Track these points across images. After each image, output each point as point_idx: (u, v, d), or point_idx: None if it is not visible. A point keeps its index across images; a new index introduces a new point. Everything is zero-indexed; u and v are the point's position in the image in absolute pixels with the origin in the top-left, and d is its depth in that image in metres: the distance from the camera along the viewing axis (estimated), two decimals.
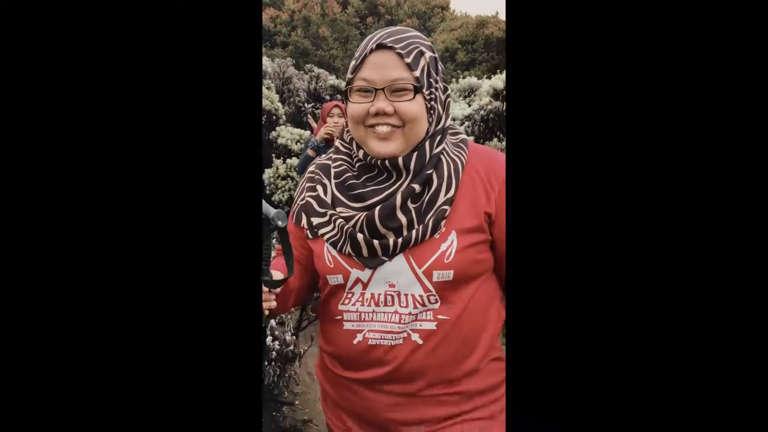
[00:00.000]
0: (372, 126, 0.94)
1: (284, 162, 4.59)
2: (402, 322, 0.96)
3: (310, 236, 1.04)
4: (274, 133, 5.12)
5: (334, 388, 1.09)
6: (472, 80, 8.66)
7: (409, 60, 0.93)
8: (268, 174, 4.53)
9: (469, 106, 6.35)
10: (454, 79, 11.45)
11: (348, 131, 1.03)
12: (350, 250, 0.97)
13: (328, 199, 1.02)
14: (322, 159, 1.11)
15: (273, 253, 1.06)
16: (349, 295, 1.00)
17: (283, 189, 4.34)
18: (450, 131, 1.05)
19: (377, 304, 0.97)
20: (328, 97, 6.36)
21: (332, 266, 1.00)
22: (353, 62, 0.97)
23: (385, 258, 0.95)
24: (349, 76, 0.97)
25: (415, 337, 0.95)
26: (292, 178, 4.49)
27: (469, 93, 7.90)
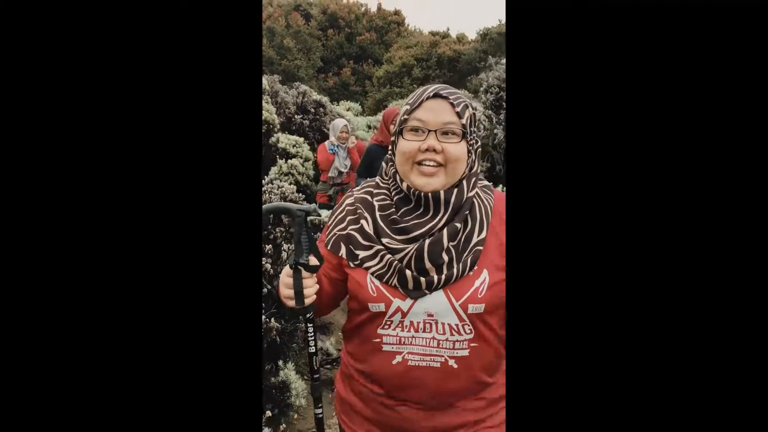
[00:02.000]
0: (419, 162, 1.02)
1: (286, 162, 5.90)
2: (440, 346, 1.04)
3: (351, 265, 1.09)
4: (273, 139, 6.41)
5: (365, 403, 1.15)
6: None
7: (458, 110, 1.03)
8: (273, 171, 5.81)
9: None
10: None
11: (392, 165, 1.10)
12: (396, 283, 1.03)
13: (372, 232, 1.07)
14: (360, 192, 1.16)
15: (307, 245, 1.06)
16: (389, 322, 1.05)
17: (289, 182, 5.63)
18: (479, 177, 1.13)
19: (416, 330, 1.04)
20: (312, 110, 7.68)
21: (375, 295, 1.05)
22: (406, 106, 1.07)
23: (427, 291, 1.02)
24: (403, 117, 1.06)
25: (452, 362, 1.04)
26: (293, 175, 5.82)
27: None
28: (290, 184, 5.36)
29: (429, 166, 1.02)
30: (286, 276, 1.09)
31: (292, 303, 1.09)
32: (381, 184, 1.13)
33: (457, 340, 1.04)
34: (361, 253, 1.08)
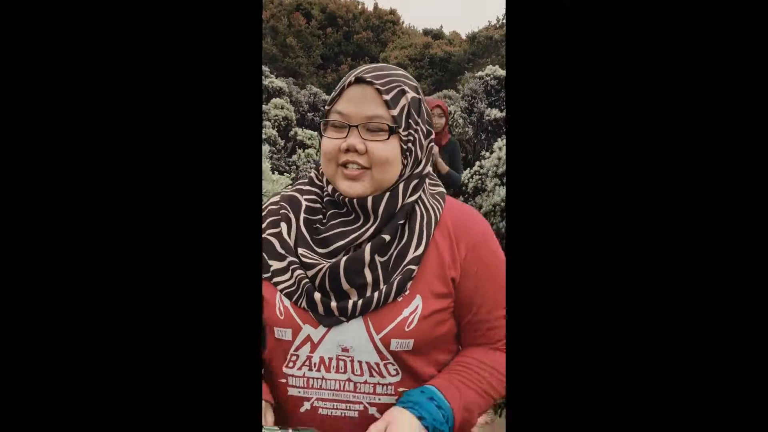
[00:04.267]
0: (344, 164, 0.80)
1: (303, 151, 7.47)
2: (357, 390, 0.81)
3: (263, 275, 0.85)
4: (292, 132, 7.95)
5: None
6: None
7: (388, 98, 0.79)
8: (294, 157, 7.38)
9: None
10: None
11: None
12: (305, 305, 0.81)
13: (291, 241, 0.84)
14: (288, 190, 0.92)
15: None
16: (294, 358, 0.82)
17: (304, 170, 7.15)
18: (430, 181, 0.91)
19: (327, 370, 0.81)
20: (322, 109, 9.21)
21: (282, 318, 0.82)
22: (332, 94, 0.85)
23: (343, 318, 0.80)
24: (326, 108, 0.85)
25: (373, 411, 0.82)
26: (304, 163, 7.43)
27: None
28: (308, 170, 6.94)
29: (352, 168, 0.80)
30: None
31: None
32: (315, 182, 0.89)
33: (379, 383, 0.82)
34: (274, 264, 0.84)
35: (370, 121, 0.79)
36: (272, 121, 7.65)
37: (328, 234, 0.83)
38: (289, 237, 0.85)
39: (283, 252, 0.84)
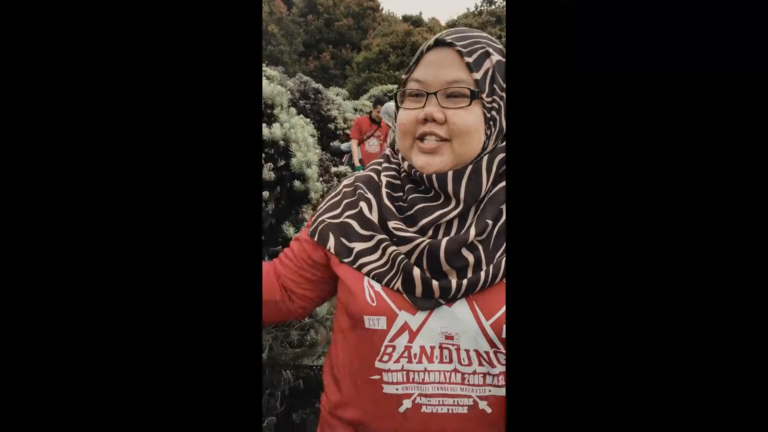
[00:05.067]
0: (421, 138, 0.72)
1: None
2: (466, 382, 0.72)
3: (342, 260, 0.77)
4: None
5: None
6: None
7: (470, 59, 0.71)
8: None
9: None
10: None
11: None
12: (400, 286, 0.72)
13: (373, 218, 0.77)
14: (364, 171, 0.85)
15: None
16: (389, 350, 0.73)
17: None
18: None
19: (430, 360, 0.72)
20: (312, 96, 9.61)
21: (374, 305, 0.73)
22: (411, 63, 0.77)
23: (441, 301, 0.71)
24: (403, 77, 0.78)
25: (483, 405, 0.72)
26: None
27: None
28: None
29: (429, 141, 0.71)
30: None
31: None
32: (392, 159, 0.82)
33: (489, 374, 0.72)
34: (358, 246, 0.76)
35: (449, 86, 0.70)
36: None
37: (412, 212, 0.74)
38: (371, 215, 0.77)
39: (367, 232, 0.76)
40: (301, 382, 2.04)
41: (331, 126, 8.72)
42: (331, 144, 6.75)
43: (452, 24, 20.13)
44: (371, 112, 4.94)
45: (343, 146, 6.41)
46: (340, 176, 4.65)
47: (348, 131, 8.66)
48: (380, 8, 29.79)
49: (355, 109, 11.06)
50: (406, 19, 28.15)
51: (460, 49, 0.70)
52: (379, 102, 4.87)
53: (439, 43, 0.72)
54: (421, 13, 28.51)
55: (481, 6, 19.17)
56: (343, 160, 5.73)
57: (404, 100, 0.75)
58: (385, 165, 0.81)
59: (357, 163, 4.89)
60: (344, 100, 11.79)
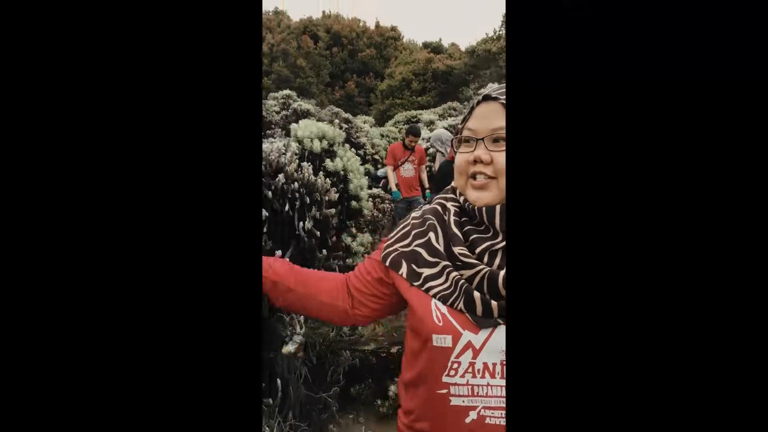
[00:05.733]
0: (473, 176, 0.85)
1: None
2: None
3: (412, 284, 0.88)
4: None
5: None
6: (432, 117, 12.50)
7: None
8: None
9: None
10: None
11: None
12: (462, 307, 0.82)
13: (441, 247, 0.88)
14: (431, 203, 0.98)
15: None
16: (455, 365, 0.82)
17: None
18: None
19: (492, 376, 0.80)
20: (345, 125, 10.38)
21: (441, 324, 0.83)
22: (464, 114, 0.92)
23: (500, 321, 0.79)
24: (459, 126, 0.92)
25: None
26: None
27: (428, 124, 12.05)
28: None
29: (480, 179, 0.84)
30: None
31: None
32: (457, 193, 0.92)
33: None
34: (426, 271, 0.87)
35: (494, 132, 0.82)
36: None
37: (468, 242, 0.85)
38: (438, 244, 0.88)
39: (434, 259, 0.87)
40: (357, 361, 2.63)
41: (361, 152, 9.40)
42: (366, 169, 7.30)
43: (471, 51, 20.89)
44: (404, 139, 5.23)
45: (380, 172, 6.87)
46: (374, 198, 5.15)
47: (376, 156, 9.31)
48: (401, 37, 30.94)
49: (382, 135, 11.70)
50: (426, 45, 29.16)
51: (503, 102, 0.83)
52: (412, 131, 5.13)
53: (487, 98, 0.86)
54: (440, 40, 29.53)
55: (499, 31, 19.90)
56: (380, 185, 6.06)
57: (459, 145, 0.89)
58: (450, 196, 0.94)
59: (393, 188, 5.13)
60: (371, 127, 12.49)
